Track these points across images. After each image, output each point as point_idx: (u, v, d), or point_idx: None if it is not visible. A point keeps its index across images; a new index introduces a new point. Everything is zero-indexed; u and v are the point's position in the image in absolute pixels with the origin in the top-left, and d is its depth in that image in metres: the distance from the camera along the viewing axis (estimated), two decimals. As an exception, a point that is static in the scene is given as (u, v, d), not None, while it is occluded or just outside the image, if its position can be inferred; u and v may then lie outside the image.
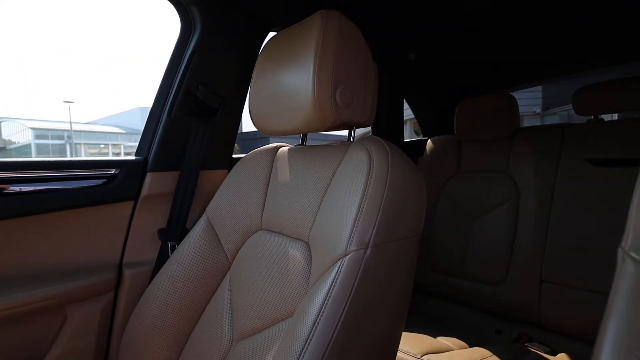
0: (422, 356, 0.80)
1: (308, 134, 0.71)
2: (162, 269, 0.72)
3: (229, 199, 0.73)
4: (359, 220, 0.47)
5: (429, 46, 1.18)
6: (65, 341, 0.71)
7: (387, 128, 1.39)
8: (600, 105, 1.06)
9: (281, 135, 0.67)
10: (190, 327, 0.68)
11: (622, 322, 0.20)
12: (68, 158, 0.77)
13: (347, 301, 0.44)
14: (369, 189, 0.48)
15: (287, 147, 0.73)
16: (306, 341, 0.43)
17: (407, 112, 1.60)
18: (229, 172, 0.78)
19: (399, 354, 0.82)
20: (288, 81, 0.59)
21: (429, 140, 1.37)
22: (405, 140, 1.49)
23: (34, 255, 0.70)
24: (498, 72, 1.39)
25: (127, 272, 0.77)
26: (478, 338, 1.02)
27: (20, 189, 0.68)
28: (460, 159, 1.30)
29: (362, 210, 0.47)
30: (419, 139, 1.56)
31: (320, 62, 0.54)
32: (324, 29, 0.55)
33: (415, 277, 1.33)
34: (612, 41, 1.10)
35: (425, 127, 1.61)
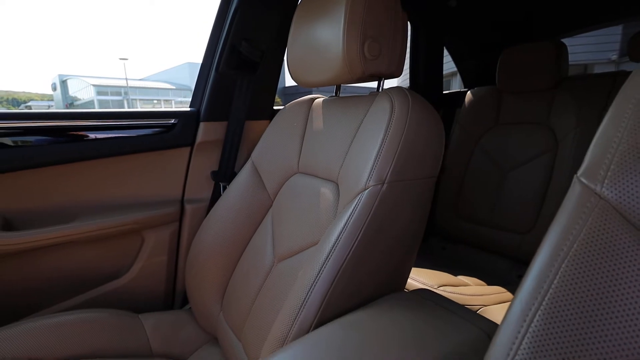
0: (438, 287, 0.89)
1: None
2: (215, 204, 0.85)
3: (271, 146, 0.82)
4: (378, 158, 0.54)
5: None
6: (145, 258, 0.89)
7: (425, 79, 1.37)
8: None
9: (315, 86, 0.73)
10: (240, 251, 0.81)
11: (561, 228, 0.26)
12: (135, 109, 0.90)
13: (361, 230, 0.52)
14: (389, 131, 0.54)
15: (322, 99, 0.80)
16: (324, 262, 0.52)
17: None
18: (270, 122, 0.87)
19: (415, 283, 0.91)
20: (320, 35, 0.64)
21: (469, 92, 1.34)
22: (444, 92, 1.47)
23: (116, 189, 0.86)
24: (549, 17, 1.29)
25: (187, 207, 0.92)
26: (498, 280, 1.08)
27: (96, 136, 0.82)
28: (499, 111, 1.27)
29: (382, 150, 0.54)
30: (458, 90, 1.52)
31: (350, 16, 0.58)
32: None
33: (443, 224, 1.39)
34: None
35: (466, 78, 1.56)
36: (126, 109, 0.88)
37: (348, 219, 0.52)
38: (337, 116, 0.71)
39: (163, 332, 0.79)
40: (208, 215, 0.85)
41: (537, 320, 0.24)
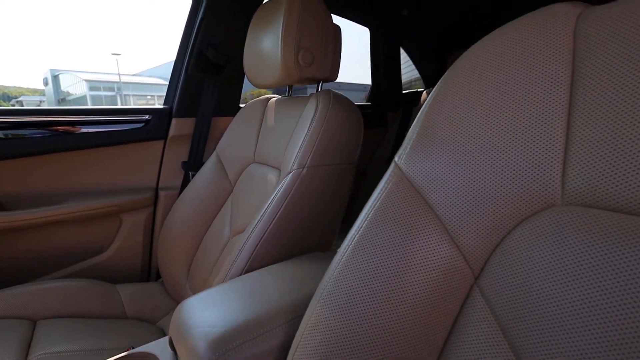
0: None
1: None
2: (184, 190, 0.97)
3: (233, 140, 0.94)
4: (302, 146, 0.66)
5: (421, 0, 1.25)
6: (123, 238, 1.01)
7: (386, 82, 1.50)
8: None
9: (265, 88, 0.85)
10: (204, 231, 0.94)
11: (377, 191, 0.39)
12: (115, 106, 1.01)
13: (282, 205, 0.64)
14: (312, 124, 0.67)
15: (276, 98, 0.92)
16: (252, 230, 0.64)
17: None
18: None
19: None
20: (265, 44, 0.76)
21: (424, 92, 1.47)
22: (403, 92, 1.60)
23: (98, 177, 0.98)
24: (494, 22, 1.42)
25: (161, 193, 1.05)
26: None
27: (81, 129, 0.94)
28: None
29: (305, 140, 0.66)
30: (416, 90, 1.65)
31: (285, 30, 0.70)
32: (289, 3, 0.70)
33: None
34: None
35: (426, 78, 1.69)
36: (106, 106, 1.00)
37: (274, 196, 0.65)
38: (284, 113, 0.83)
39: (137, 300, 0.91)
40: (177, 200, 0.97)
41: (350, 251, 0.36)
